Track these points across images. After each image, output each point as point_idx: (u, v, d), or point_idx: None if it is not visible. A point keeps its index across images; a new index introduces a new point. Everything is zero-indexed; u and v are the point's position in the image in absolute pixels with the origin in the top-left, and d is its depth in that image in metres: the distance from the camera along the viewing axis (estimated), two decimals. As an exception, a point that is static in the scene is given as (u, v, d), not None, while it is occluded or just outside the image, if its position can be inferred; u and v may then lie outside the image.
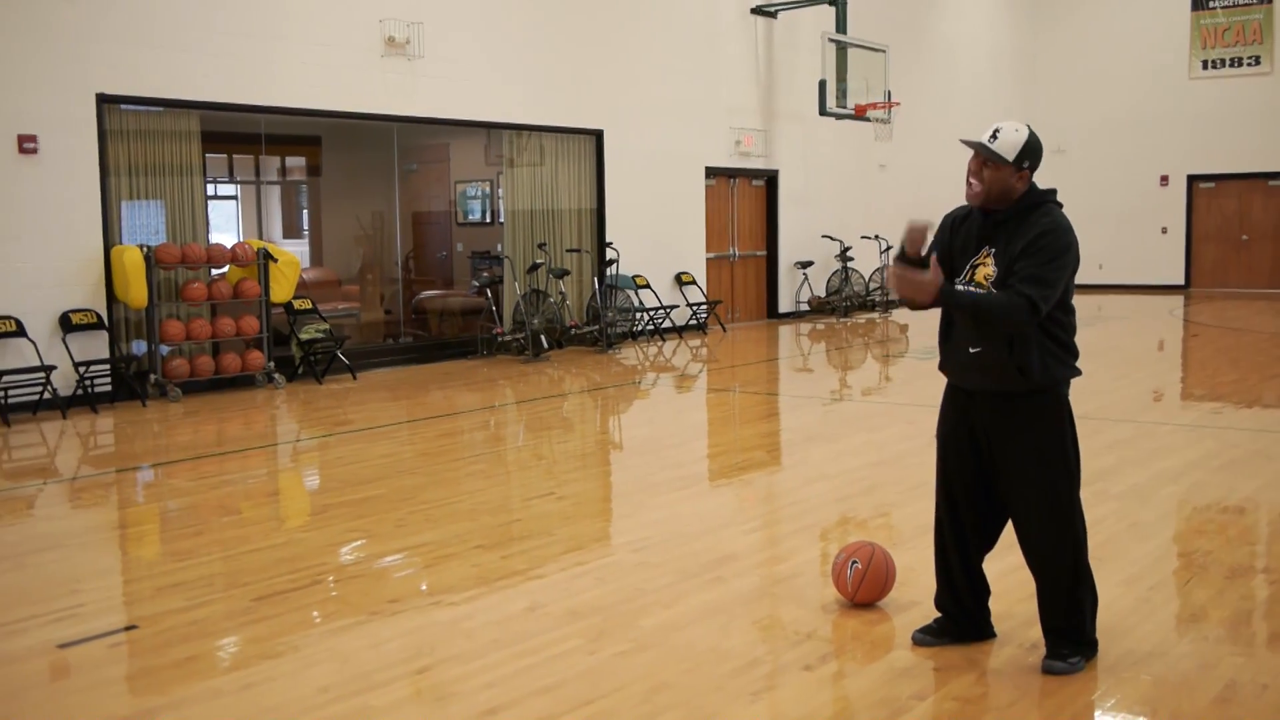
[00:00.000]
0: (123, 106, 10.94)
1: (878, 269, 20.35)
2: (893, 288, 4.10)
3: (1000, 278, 4.02)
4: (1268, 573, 5.34)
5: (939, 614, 4.46)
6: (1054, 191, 4.15)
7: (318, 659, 4.39)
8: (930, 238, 4.25)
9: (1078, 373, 4.16)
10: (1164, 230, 23.89)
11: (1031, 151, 4.05)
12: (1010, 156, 4.02)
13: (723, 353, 14.96)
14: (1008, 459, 4.14)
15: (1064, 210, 4.10)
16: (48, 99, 10.33)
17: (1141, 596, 4.97)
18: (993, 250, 4.08)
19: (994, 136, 4.04)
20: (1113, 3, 24.55)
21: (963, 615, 4.39)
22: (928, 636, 4.40)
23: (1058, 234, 3.99)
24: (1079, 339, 4.23)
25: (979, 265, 4.10)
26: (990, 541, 4.36)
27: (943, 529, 4.39)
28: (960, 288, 4.07)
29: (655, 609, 4.88)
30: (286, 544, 6.11)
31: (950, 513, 4.34)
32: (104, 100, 10.71)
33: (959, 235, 4.23)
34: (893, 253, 4.27)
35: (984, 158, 4.05)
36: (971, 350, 4.12)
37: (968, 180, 4.12)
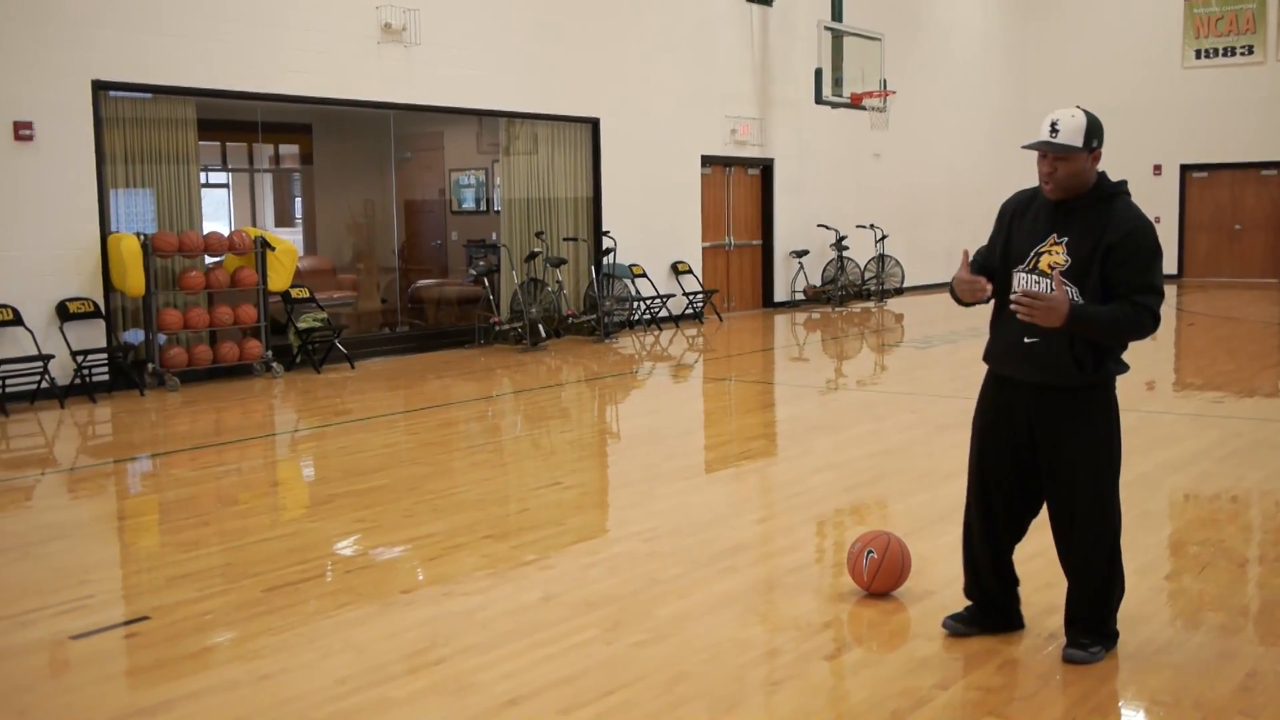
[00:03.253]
0: (119, 93, 10.86)
1: (872, 258, 20.35)
2: (1032, 316, 3.85)
3: (1077, 272, 3.93)
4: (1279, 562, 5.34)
5: (969, 602, 4.42)
6: (1125, 183, 4.07)
7: (334, 650, 4.36)
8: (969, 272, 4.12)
9: (1126, 367, 4.11)
10: (1157, 219, 23.81)
11: (1096, 129, 3.95)
12: (1079, 143, 3.91)
13: (720, 342, 14.94)
14: (1056, 453, 4.08)
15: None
16: (44, 86, 10.24)
17: (1156, 586, 4.97)
18: (1064, 239, 3.99)
19: (1054, 130, 3.93)
20: (1106, -9, 24.58)
21: (990, 605, 4.35)
22: (959, 624, 4.36)
23: (1148, 233, 3.94)
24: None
25: (1045, 253, 4.01)
26: (1021, 533, 4.32)
27: (971, 519, 4.33)
28: (1079, 302, 3.89)
29: (670, 599, 4.86)
30: (294, 534, 6.07)
31: (982, 503, 4.28)
32: (100, 87, 10.62)
33: (1023, 222, 4.13)
34: (1020, 280, 4.04)
35: (1054, 156, 3.94)
36: (1027, 340, 4.03)
37: (1042, 184, 4.02)
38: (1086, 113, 3.97)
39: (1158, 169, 23.93)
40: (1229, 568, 5.23)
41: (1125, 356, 4.15)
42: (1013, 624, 4.38)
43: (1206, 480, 6.93)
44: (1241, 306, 18.57)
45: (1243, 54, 23.14)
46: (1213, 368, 12.00)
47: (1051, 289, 3.91)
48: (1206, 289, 22.03)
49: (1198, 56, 23.58)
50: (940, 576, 5.02)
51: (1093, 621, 4.12)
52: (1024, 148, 4.12)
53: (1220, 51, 23.36)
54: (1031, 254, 4.05)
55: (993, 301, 4.20)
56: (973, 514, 4.33)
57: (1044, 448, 4.11)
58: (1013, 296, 3.98)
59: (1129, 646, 4.22)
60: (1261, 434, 8.24)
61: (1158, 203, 23.90)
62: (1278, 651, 4.22)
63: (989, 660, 4.16)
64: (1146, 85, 23.88)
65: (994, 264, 4.22)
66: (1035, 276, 4.00)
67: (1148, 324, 3.90)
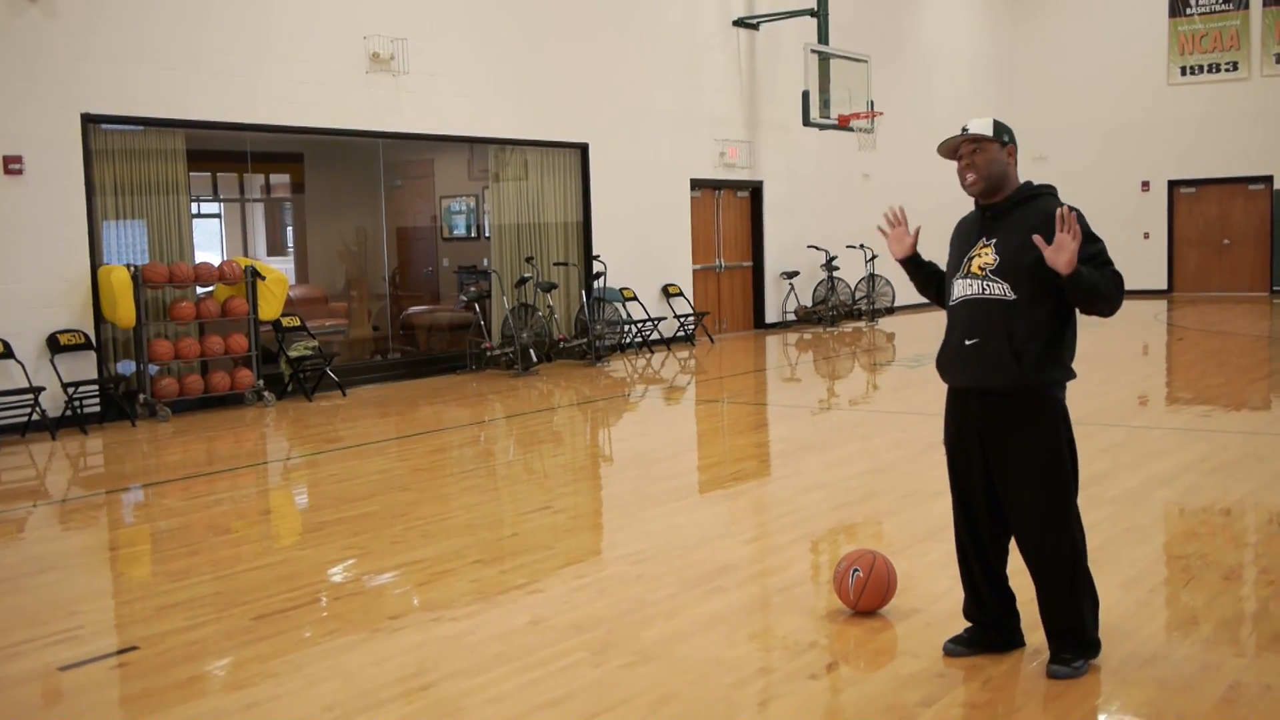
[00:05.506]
0: (108, 126, 10.91)
1: (863, 278, 20.42)
2: (1060, 245, 3.89)
3: (1006, 268, 4.04)
4: (1265, 574, 5.37)
5: (969, 624, 4.41)
6: (1052, 186, 4.24)
7: (321, 677, 4.37)
8: (909, 231, 4.45)
9: (1072, 375, 4.16)
10: (1146, 235, 24.02)
11: (1005, 127, 4.19)
12: (989, 132, 4.12)
13: (711, 364, 14.98)
14: (1004, 463, 4.13)
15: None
16: (33, 119, 10.29)
17: (1141, 599, 4.99)
18: (992, 241, 4.13)
19: (964, 129, 4.17)
20: (1091, 10, 24.72)
21: (990, 624, 4.34)
22: (960, 647, 4.34)
23: (1080, 218, 4.01)
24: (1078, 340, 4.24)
25: (975, 256, 4.15)
26: (1005, 547, 4.31)
27: (961, 538, 4.34)
28: (1084, 270, 3.97)
29: (657, 620, 4.88)
30: (283, 562, 6.08)
31: (966, 520, 4.30)
32: (89, 120, 10.68)
33: (960, 236, 4.30)
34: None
35: (970, 145, 4.13)
36: (968, 343, 4.11)
37: (963, 178, 4.18)
38: (995, 118, 4.24)
39: (1146, 185, 24.07)
40: (1213, 581, 5.25)
41: (1080, 367, 4.21)
42: (1014, 642, 4.36)
43: (1194, 494, 6.96)
44: (1231, 320, 18.64)
45: (1227, 70, 23.31)
46: (1202, 381, 12.04)
47: (987, 290, 4.06)
48: (1196, 304, 22.11)
49: (1183, 73, 23.76)
50: (927, 594, 5.05)
51: (1070, 634, 4.13)
52: (938, 150, 4.31)
53: (1205, 68, 23.54)
54: (964, 260, 4.18)
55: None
56: (961, 531, 4.35)
57: (994, 458, 4.16)
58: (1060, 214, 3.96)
59: (1112, 660, 4.25)
60: (1249, 447, 8.28)
61: (1146, 219, 24.05)
62: (1260, 663, 4.24)
63: (974, 677, 4.18)
64: (1133, 103, 24.06)
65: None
66: (969, 280, 4.13)
67: (1118, 290, 4.04)
